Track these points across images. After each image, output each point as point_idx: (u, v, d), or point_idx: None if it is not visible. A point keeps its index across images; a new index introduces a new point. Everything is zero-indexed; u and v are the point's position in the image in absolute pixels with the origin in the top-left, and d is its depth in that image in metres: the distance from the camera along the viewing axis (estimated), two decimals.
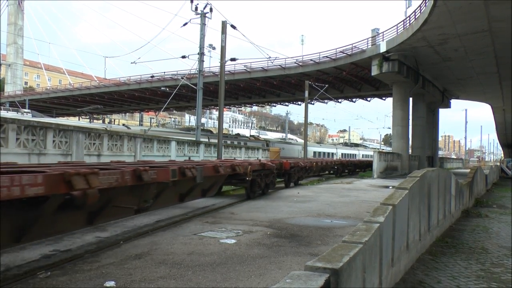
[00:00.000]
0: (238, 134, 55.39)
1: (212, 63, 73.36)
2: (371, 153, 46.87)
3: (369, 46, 32.33)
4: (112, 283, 4.49)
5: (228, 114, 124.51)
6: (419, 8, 25.34)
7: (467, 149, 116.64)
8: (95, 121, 36.14)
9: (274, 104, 71.38)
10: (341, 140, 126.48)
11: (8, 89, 73.46)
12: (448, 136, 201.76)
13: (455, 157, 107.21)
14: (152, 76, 47.18)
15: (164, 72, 47.05)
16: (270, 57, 35.71)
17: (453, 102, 48.17)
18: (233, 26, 23.40)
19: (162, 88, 42.26)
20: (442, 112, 50.69)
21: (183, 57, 28.20)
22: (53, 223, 4.85)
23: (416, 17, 25.59)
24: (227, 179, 10.95)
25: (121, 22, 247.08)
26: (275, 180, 14.95)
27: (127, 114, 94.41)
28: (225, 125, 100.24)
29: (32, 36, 79.90)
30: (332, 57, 35.39)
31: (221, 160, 14.34)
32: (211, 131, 43.58)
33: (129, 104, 63.07)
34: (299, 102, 54.05)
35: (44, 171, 4.40)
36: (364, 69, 34.83)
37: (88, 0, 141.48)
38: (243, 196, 12.74)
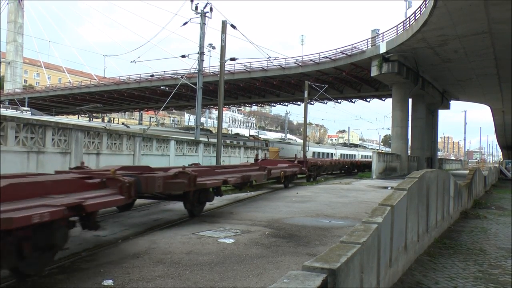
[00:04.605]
0: (237, 134, 55.33)
1: (212, 62, 73.29)
2: (370, 153, 46.81)
3: (369, 47, 32.35)
4: (110, 282, 4.49)
5: (227, 114, 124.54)
6: (419, 9, 25.34)
7: (466, 150, 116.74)
8: (94, 119, 36.07)
9: (274, 104, 71.28)
10: (341, 141, 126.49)
11: (8, 87, 73.38)
12: (447, 137, 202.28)
13: (454, 159, 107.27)
14: (152, 75, 47.10)
15: (164, 71, 47.01)
16: (270, 57, 35.66)
17: (453, 103, 48.23)
18: (233, 26, 23.38)
19: (161, 87, 42.23)
20: (442, 113, 50.87)
21: (183, 56, 28.18)
22: (325, 169, 26.91)
23: (416, 18, 25.59)
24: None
25: (123, 22, 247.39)
26: (355, 168, 33.53)
27: (127, 113, 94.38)
28: (224, 125, 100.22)
29: (32, 35, 79.84)
30: (332, 58, 35.39)
31: (333, 160, 34.40)
32: (210, 131, 43.53)
33: (128, 103, 63.01)
34: (299, 102, 54.05)
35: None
36: (363, 69, 34.84)
37: (91, 0, 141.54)
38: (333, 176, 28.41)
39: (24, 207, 4.24)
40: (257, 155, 22.55)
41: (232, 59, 24.43)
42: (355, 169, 33.55)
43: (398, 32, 28.72)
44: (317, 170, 22.70)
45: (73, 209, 4.71)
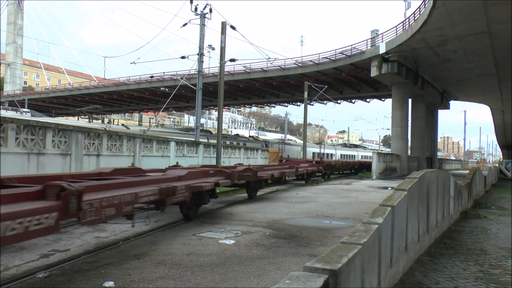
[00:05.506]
0: (237, 135, 55.22)
1: (211, 63, 73.36)
2: (370, 154, 46.80)
3: (368, 47, 32.35)
4: (111, 283, 4.49)
5: (227, 115, 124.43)
6: (418, 9, 25.36)
7: (466, 150, 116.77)
8: (94, 121, 36.12)
9: (274, 105, 71.05)
10: (340, 141, 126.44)
11: (8, 89, 73.35)
12: (447, 137, 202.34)
13: (454, 158, 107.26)
14: (152, 76, 47.08)
15: (164, 73, 46.95)
16: (269, 58, 35.59)
17: (452, 103, 48.24)
18: (232, 27, 23.38)
19: (161, 88, 42.21)
20: (441, 113, 50.69)
21: (183, 57, 28.13)
22: (337, 169, 30.83)
23: (416, 18, 25.61)
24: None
25: (123, 23, 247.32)
26: (363, 168, 35.01)
27: (126, 114, 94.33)
28: (224, 126, 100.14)
29: (32, 36, 79.70)
30: (332, 58, 35.38)
31: (344, 161, 39.14)
32: (210, 132, 43.47)
33: (128, 104, 62.99)
34: (299, 103, 54.03)
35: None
36: (363, 70, 34.83)
37: (91, 0, 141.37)
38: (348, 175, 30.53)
39: (197, 182, 8.31)
40: (281, 156, 30.97)
41: (232, 60, 24.41)
42: (364, 168, 36.18)
43: (398, 32, 28.73)
44: (331, 169, 26.78)
45: (215, 184, 8.90)
